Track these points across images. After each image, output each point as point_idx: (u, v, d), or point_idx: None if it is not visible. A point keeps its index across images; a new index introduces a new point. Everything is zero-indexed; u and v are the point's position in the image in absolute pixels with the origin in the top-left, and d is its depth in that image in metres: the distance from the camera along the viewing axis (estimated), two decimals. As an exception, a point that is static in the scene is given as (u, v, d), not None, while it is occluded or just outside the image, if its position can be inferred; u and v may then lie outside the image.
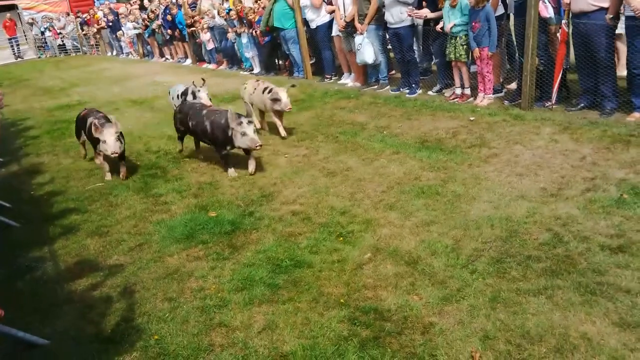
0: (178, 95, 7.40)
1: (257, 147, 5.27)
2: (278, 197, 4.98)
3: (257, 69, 11.93)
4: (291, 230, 4.30)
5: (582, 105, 6.12)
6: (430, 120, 6.64)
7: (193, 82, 7.19)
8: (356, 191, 4.85)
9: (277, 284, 3.54)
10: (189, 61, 15.54)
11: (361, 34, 8.09)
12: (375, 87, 8.71)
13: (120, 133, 5.63)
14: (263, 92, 6.75)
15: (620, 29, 5.79)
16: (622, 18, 5.56)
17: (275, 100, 6.45)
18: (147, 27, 17.15)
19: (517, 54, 7.13)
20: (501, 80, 7.43)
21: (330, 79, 9.87)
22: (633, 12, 5.19)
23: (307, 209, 4.62)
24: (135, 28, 18.19)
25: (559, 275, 3.24)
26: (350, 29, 8.44)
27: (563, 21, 5.92)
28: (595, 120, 5.71)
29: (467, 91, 7.24)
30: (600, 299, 2.99)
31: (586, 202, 4.06)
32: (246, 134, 5.23)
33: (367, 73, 8.93)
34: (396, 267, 3.58)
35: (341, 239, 4.06)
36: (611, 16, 5.54)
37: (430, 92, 7.89)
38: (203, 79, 7.33)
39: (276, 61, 11.93)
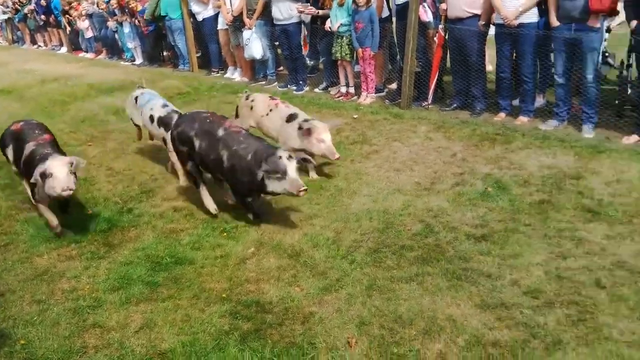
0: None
1: (301, 193, 3.84)
2: (159, 193, 4.82)
3: (139, 60, 11.43)
4: (173, 226, 4.19)
5: (455, 105, 6.57)
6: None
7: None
8: (241, 186, 4.82)
9: (156, 282, 3.45)
10: (64, 49, 14.54)
11: (249, 28, 8.06)
12: (263, 82, 8.71)
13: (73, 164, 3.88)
14: (288, 122, 4.94)
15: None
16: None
17: (316, 142, 4.71)
18: (17, 11, 15.83)
19: (398, 56, 7.49)
20: (383, 80, 7.75)
21: (217, 72, 9.72)
22: (502, 19, 5.65)
23: (190, 205, 4.53)
24: (4, 12, 16.67)
25: (429, 262, 3.47)
26: (238, 23, 8.37)
27: (440, 26, 6.29)
28: (466, 120, 6.16)
29: (352, 90, 7.47)
30: (465, 283, 3.24)
31: (455, 195, 4.38)
32: (286, 175, 3.80)
33: (255, 68, 8.91)
34: (279, 260, 3.63)
35: (225, 234, 4.03)
36: (483, 23, 5.99)
37: (316, 90, 8.04)
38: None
39: (160, 52, 11.53)
